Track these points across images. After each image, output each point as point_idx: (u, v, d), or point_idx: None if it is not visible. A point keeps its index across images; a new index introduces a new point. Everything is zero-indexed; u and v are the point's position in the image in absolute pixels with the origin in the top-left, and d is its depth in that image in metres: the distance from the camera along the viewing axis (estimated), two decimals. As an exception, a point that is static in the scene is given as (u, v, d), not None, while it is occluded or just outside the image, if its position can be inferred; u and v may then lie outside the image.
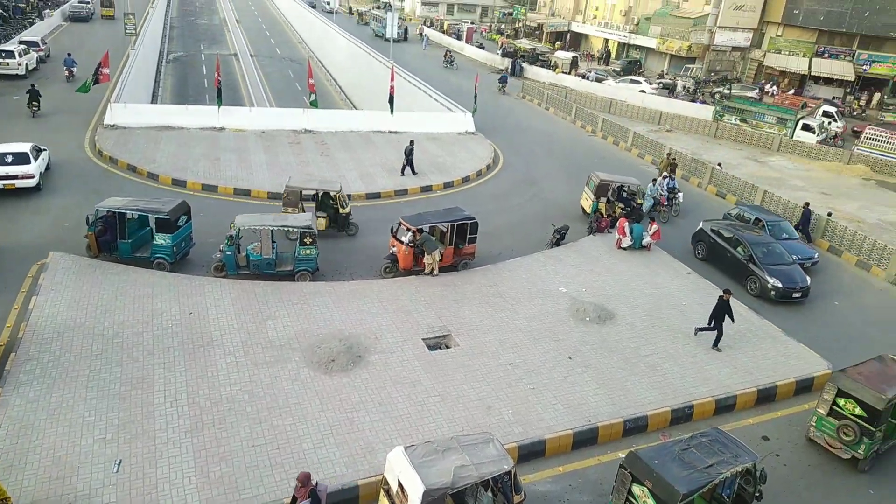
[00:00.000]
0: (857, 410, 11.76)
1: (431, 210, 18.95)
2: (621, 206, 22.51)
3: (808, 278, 18.70)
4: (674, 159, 27.62)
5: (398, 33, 58.00)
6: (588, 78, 49.85)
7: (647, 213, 23.14)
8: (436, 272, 17.40)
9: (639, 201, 22.93)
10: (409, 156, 25.41)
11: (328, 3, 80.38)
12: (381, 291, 16.58)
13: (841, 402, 12.03)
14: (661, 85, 49.11)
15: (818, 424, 12.45)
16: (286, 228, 16.57)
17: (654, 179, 24.36)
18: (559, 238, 20.50)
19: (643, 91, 45.64)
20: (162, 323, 14.21)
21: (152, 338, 13.69)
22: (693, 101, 44.74)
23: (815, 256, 20.76)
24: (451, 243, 17.81)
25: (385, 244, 18.19)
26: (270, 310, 15.16)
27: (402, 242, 17.16)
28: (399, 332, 14.80)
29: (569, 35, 68.31)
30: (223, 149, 26.27)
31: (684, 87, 49.06)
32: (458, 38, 67.11)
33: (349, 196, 21.35)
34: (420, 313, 15.70)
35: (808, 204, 23.18)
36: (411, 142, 25.86)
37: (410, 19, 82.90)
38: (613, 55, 61.89)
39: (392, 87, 30.76)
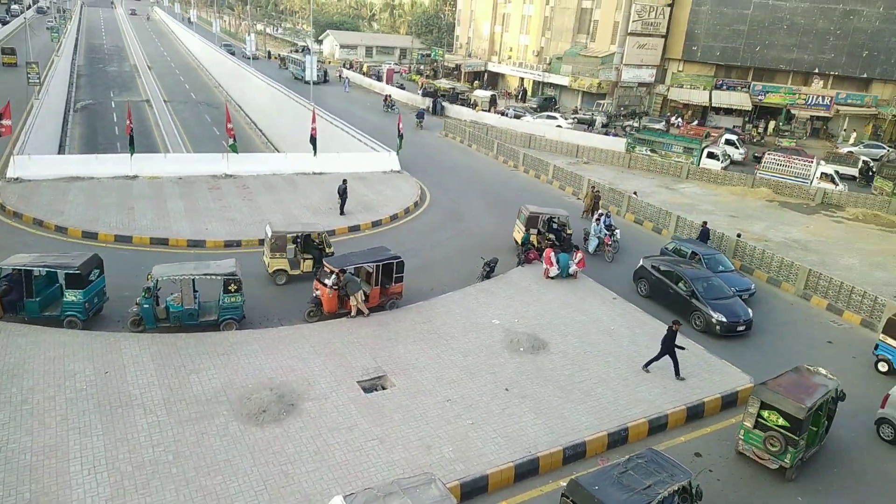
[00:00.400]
0: (781, 421, 12.29)
1: (356, 251, 18.78)
2: (551, 236, 23.03)
3: (749, 311, 18.79)
4: (598, 192, 28.57)
5: (318, 76, 58.17)
6: (507, 115, 51.41)
7: (593, 252, 23.46)
8: (366, 312, 17.17)
9: (568, 231, 23.46)
10: (344, 195, 25.53)
11: (248, 50, 79.83)
12: (312, 335, 16.16)
13: (765, 413, 12.54)
14: (576, 120, 51.23)
15: (746, 437, 12.91)
16: (209, 276, 15.97)
17: (598, 219, 24.24)
18: (489, 271, 20.72)
19: (560, 126, 47.48)
20: (76, 385, 13.25)
21: (65, 401, 12.72)
22: (606, 134, 46.88)
23: (752, 287, 20.94)
24: (378, 283, 17.64)
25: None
26: (194, 363, 14.44)
27: (325, 285, 16.87)
28: (333, 377, 14.42)
29: (486, 74, 70.49)
30: (137, 197, 25.24)
31: (602, 122, 51.40)
32: (379, 79, 67.94)
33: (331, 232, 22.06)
34: (353, 355, 15.37)
35: (705, 223, 24.67)
36: (344, 181, 26.12)
37: (329, 62, 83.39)
38: (530, 93, 64.23)
39: (314, 129, 30.65)
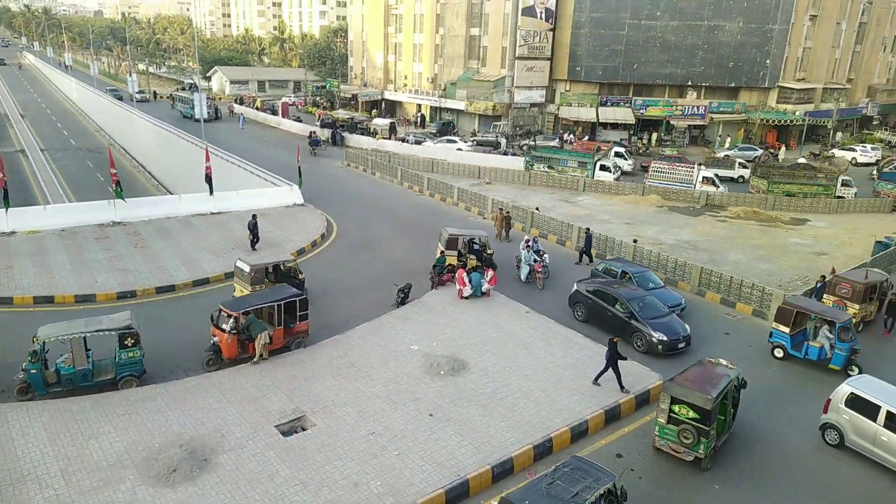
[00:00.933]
0: (691, 414, 12.89)
1: (255, 292, 18.03)
2: (473, 257, 23.20)
3: (686, 326, 18.72)
4: (507, 213, 28.94)
5: (208, 113, 56.46)
6: (408, 141, 51.90)
7: (525, 280, 22.98)
8: (265, 356, 16.35)
9: (489, 251, 23.59)
10: (254, 230, 25.22)
11: (139, 93, 76.11)
12: (223, 382, 15.36)
13: (676, 408, 13.12)
14: (475, 142, 52.42)
15: (661, 433, 13.43)
16: (102, 332, 14.84)
17: (527, 245, 23.44)
18: (404, 297, 20.60)
19: (460, 149, 48.44)
20: (-49, 468, 11.85)
21: (-61, 489, 11.34)
22: (505, 154, 48.27)
23: (683, 302, 20.89)
24: (281, 323, 16.90)
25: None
26: (92, 427, 13.32)
27: (223, 330, 16.02)
28: (248, 424, 13.72)
29: (383, 103, 71.00)
30: (16, 254, 23.22)
31: (503, 143, 52.80)
32: (274, 113, 66.79)
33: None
34: (269, 399, 14.73)
35: (588, 229, 26.09)
36: (253, 216, 25.77)
37: (220, 98, 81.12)
38: (428, 118, 65.24)
39: (208, 168, 29.56)
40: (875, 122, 70.03)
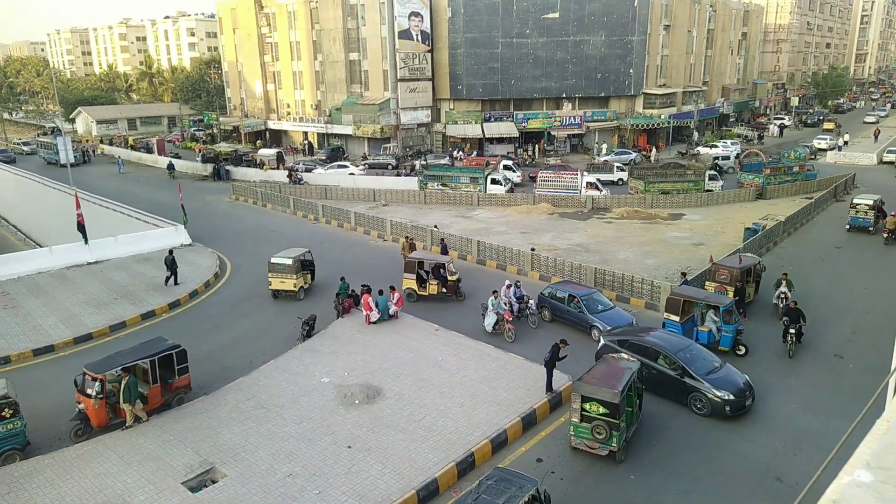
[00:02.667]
0: (601, 409, 13.38)
1: (125, 348, 16.53)
2: (435, 282, 22.81)
3: (745, 375, 16.00)
4: (412, 240, 27.96)
5: (75, 157, 52.79)
6: (297, 170, 50.86)
7: (491, 331, 19.85)
8: (144, 418, 14.99)
9: (452, 272, 22.99)
10: (173, 265, 24.97)
11: (25, 145, 70.11)
12: (118, 444, 14.18)
13: (587, 406, 13.57)
14: (367, 165, 52.26)
15: (576, 432, 13.83)
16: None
17: (494, 291, 20.43)
18: (309, 329, 20.03)
19: (352, 174, 48.12)
20: None
21: None
22: (398, 175, 48.49)
23: (633, 321, 20.05)
24: (157, 380, 15.58)
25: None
26: (-32, 515, 11.87)
27: (88, 396, 14.53)
28: (152, 485, 12.73)
29: (267, 133, 69.32)
30: None
31: (393, 164, 52.91)
32: (149, 151, 63.44)
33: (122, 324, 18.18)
34: (173, 455, 13.76)
35: (443, 240, 26.88)
36: (170, 251, 25.84)
37: (88, 140, 75.89)
38: (316, 145, 64.36)
39: (80, 215, 27.55)
40: (731, 119, 77.00)
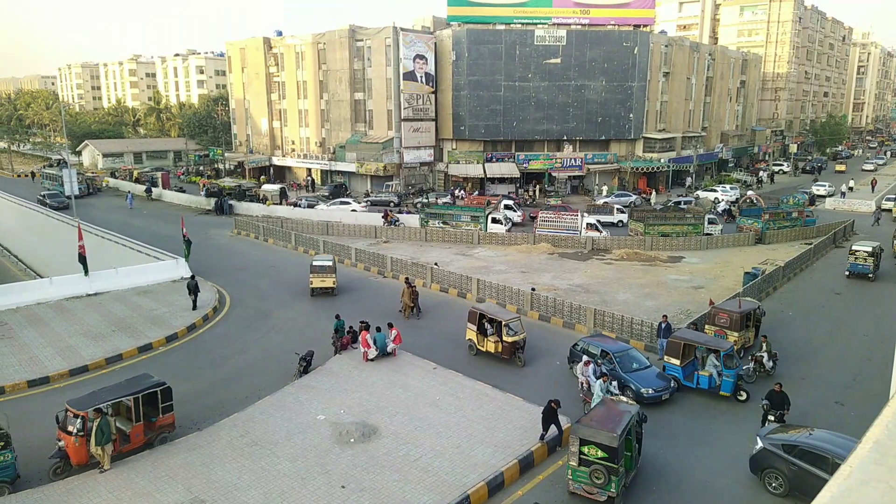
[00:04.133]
0: (600, 453, 13.19)
1: (111, 384, 16.23)
2: (496, 339, 20.56)
3: None
4: (414, 287, 26.25)
5: (80, 189, 53.47)
6: (300, 205, 51.28)
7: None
8: (106, 466, 14.22)
9: (514, 333, 20.69)
10: (196, 289, 26.19)
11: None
12: (109, 479, 13.95)
13: (585, 449, 13.38)
14: (369, 202, 52.69)
15: (574, 476, 13.61)
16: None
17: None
18: (306, 365, 19.88)
19: (354, 210, 48.47)
20: None
21: None
22: (400, 212, 48.83)
23: (673, 385, 18.55)
24: (141, 418, 15.23)
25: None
26: (-49, 551, 11.60)
27: (70, 433, 14.15)
28: (141, 523, 12.48)
29: (271, 169, 70.07)
30: None
31: (396, 201, 53.30)
32: (154, 185, 64.02)
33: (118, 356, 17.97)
34: (164, 491, 13.52)
35: (407, 279, 27.16)
36: (192, 276, 27.69)
37: (93, 173, 76.66)
38: (319, 182, 65.00)
39: (81, 247, 27.68)
40: (730, 165, 77.88)
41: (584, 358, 18.72)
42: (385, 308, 26.01)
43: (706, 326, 21.93)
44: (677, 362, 18.93)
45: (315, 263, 28.61)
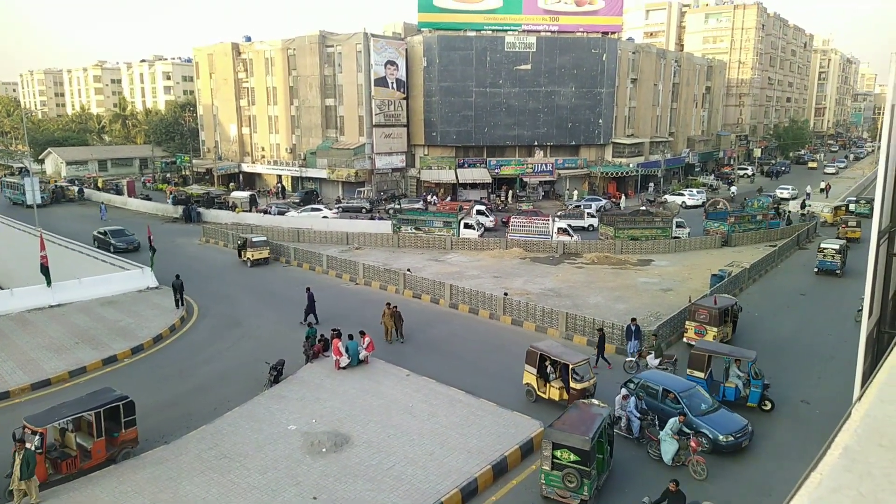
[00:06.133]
0: (572, 457, 13.23)
1: (71, 399, 15.76)
2: (561, 386, 18.07)
3: None
4: (396, 308, 23.80)
5: (42, 198, 52.15)
6: (270, 212, 50.72)
7: (672, 464, 14.91)
8: (34, 499, 13.21)
9: (586, 379, 18.09)
10: (181, 288, 27.11)
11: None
12: (73, 495, 13.55)
13: (558, 453, 13.41)
14: (341, 209, 52.36)
15: (547, 480, 13.62)
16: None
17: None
18: (277, 374, 19.60)
19: (326, 217, 48.10)
20: None
21: None
22: (371, 218, 48.61)
23: (749, 427, 15.98)
24: (102, 434, 14.82)
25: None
26: None
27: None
28: (105, 540, 12.13)
29: (241, 175, 69.21)
30: None
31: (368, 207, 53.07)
32: (119, 192, 62.76)
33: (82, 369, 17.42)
34: (129, 507, 13.17)
35: (309, 288, 25.57)
36: (177, 276, 27.34)
37: (56, 181, 74.78)
38: (289, 188, 64.38)
39: (43, 257, 26.92)
40: (697, 169, 79.31)
41: (623, 391, 16.80)
42: (357, 315, 25.81)
43: (686, 322, 22.66)
44: (702, 375, 18.21)
45: (253, 240, 35.84)
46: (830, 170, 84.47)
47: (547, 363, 18.48)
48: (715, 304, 22.25)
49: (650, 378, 17.51)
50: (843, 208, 49.16)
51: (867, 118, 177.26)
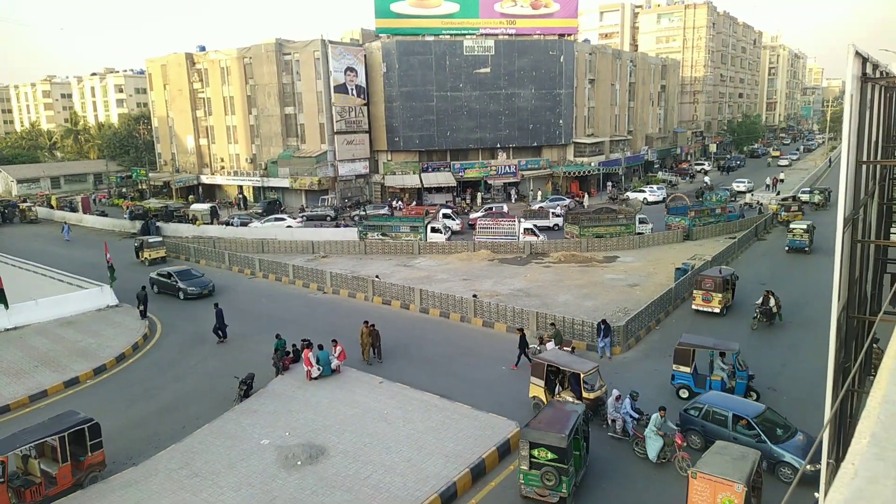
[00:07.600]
0: (550, 455, 13.27)
1: (34, 424, 15.25)
2: (568, 396, 17.10)
3: None
4: (373, 326, 22.52)
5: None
6: (233, 224, 49.84)
7: (657, 461, 14.94)
8: None
9: (588, 396, 17.20)
10: (146, 300, 27.54)
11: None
12: (37, 527, 13.01)
13: (535, 452, 13.43)
14: (305, 217, 51.74)
15: (525, 480, 13.63)
16: None
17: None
18: (247, 389, 19.20)
19: (290, 226, 47.48)
20: None
21: None
22: (336, 226, 48.16)
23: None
24: (68, 458, 14.41)
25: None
26: None
27: None
28: (73, 570, 11.67)
29: (200, 187, 67.89)
30: None
31: (332, 216, 52.61)
32: (73, 209, 60.89)
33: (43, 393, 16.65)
34: (98, 534, 12.71)
35: (217, 304, 24.82)
36: (143, 287, 28.16)
37: (29, 202, 71.94)
38: (251, 199, 63.38)
39: (-2, 279, 25.91)
40: (656, 166, 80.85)
41: (615, 392, 16.27)
42: (327, 324, 25.50)
43: (694, 291, 25.85)
44: (688, 370, 18.35)
45: (149, 241, 39.64)
46: (784, 161, 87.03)
47: (554, 373, 17.72)
48: (720, 273, 25.64)
49: (715, 402, 15.77)
50: (791, 198, 50.57)
51: (816, 111, 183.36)
